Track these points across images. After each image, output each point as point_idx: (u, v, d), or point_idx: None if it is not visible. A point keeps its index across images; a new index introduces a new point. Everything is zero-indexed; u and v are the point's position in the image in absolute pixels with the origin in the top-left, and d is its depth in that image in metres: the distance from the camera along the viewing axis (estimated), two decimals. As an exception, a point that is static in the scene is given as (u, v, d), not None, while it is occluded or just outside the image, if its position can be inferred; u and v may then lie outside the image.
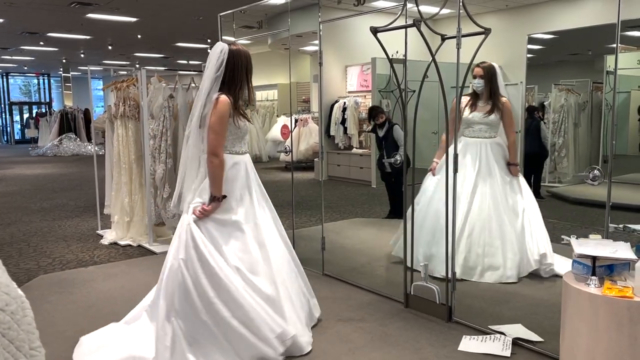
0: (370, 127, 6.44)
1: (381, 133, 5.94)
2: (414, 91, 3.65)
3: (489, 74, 4.10)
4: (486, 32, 3.21)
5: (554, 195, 6.90)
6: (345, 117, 9.39)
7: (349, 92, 9.73)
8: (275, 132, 11.36)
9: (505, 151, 4.13)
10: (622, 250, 2.18)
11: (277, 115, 12.22)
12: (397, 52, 3.78)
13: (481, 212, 3.94)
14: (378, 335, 3.05)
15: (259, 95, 13.10)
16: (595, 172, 2.66)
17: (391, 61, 3.53)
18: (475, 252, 3.88)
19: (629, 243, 2.29)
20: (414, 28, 3.23)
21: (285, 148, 9.47)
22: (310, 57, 11.12)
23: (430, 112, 5.98)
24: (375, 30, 3.33)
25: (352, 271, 4.19)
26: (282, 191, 7.32)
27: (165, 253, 4.96)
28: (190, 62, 19.39)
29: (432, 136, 7.72)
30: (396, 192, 5.89)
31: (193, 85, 5.29)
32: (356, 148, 9.48)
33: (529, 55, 7.49)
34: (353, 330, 3.13)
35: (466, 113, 4.09)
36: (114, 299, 3.77)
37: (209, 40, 13.78)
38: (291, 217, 4.79)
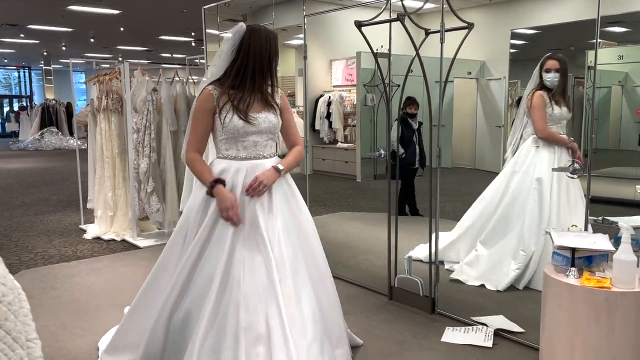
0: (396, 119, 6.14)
1: (415, 125, 5.82)
2: (399, 85, 3.67)
3: (564, 67, 3.73)
4: (469, 26, 3.24)
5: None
6: (330, 111, 9.39)
7: (334, 86, 9.73)
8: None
9: None
10: (600, 242, 2.22)
11: (262, 109, 12.15)
12: (382, 47, 3.79)
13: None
14: (362, 328, 3.08)
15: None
16: (575, 165, 2.70)
17: (375, 55, 3.54)
18: None
19: (607, 235, 2.34)
20: (398, 22, 3.25)
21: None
22: (295, 50, 11.09)
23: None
24: (359, 24, 3.34)
25: (337, 265, 4.21)
26: (267, 185, 7.28)
27: (150, 247, 4.99)
28: (175, 55, 19.21)
29: (417, 131, 7.78)
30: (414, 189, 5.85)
31: (177, 78, 5.25)
32: (341, 142, 9.49)
33: (512, 50, 7.55)
34: (338, 323, 3.15)
35: (556, 109, 3.67)
36: (97, 293, 3.74)
37: (193, 34, 13.66)
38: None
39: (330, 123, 9.44)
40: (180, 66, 6.00)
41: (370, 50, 3.51)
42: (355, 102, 9.12)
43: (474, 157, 8.20)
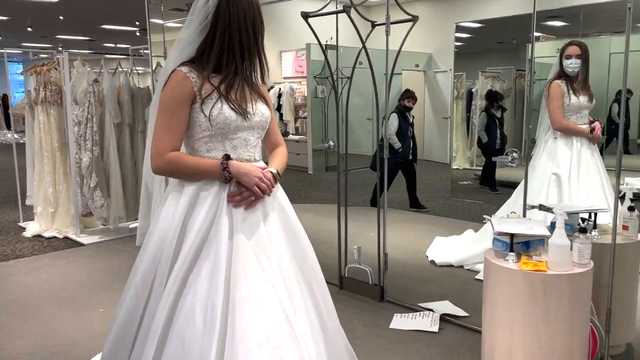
0: (393, 111, 5.89)
1: (411, 118, 5.75)
2: (349, 77, 3.69)
3: (586, 53, 3.52)
4: (414, 19, 3.29)
5: (480, 178, 7.23)
6: (281, 103, 9.35)
7: (284, 77, 9.69)
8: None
9: None
10: (537, 228, 2.32)
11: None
12: (331, 39, 3.80)
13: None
14: (312, 318, 3.09)
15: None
16: (514, 154, 2.81)
17: (323, 47, 3.55)
18: None
19: (543, 220, 2.44)
20: (346, 14, 3.26)
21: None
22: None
23: (365, 98, 6.07)
24: (306, 15, 3.33)
25: (288, 256, 4.21)
26: (217, 178, 7.20)
27: (94, 244, 4.83)
28: (118, 45, 18.57)
29: (367, 122, 7.85)
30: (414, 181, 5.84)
31: (120, 69, 5.08)
32: (292, 134, 9.48)
33: (457, 44, 7.74)
34: (288, 314, 3.16)
35: (573, 98, 3.50)
36: (38, 293, 3.60)
37: (137, 23, 13.24)
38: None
39: (281, 115, 9.40)
40: (123, 56, 5.81)
41: (318, 43, 3.51)
42: (305, 94, 9.12)
43: (422, 148, 8.36)
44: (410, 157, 5.75)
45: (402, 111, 5.64)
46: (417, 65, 8.57)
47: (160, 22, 5.27)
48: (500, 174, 6.74)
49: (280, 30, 9.27)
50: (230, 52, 1.72)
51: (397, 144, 5.55)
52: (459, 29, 7.45)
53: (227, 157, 1.72)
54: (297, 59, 9.40)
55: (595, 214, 2.60)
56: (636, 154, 7.00)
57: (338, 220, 3.61)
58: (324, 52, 3.58)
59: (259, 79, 1.83)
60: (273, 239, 1.78)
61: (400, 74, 8.54)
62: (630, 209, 2.65)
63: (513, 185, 6.10)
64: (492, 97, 6.60)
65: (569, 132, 3.47)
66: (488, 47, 8.88)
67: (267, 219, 1.79)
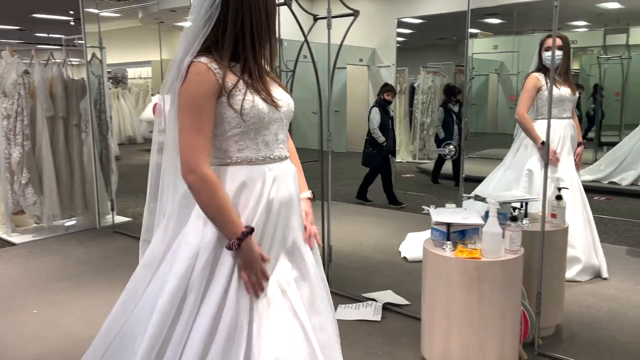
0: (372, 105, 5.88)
1: (391, 112, 5.68)
2: (292, 71, 3.69)
3: (567, 45, 3.44)
4: (355, 13, 3.32)
5: (423, 171, 7.42)
6: (224, 96, 9.21)
7: (228, 70, 9.53)
8: (149, 111, 10.84)
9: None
10: (472, 217, 2.41)
11: (152, 94, 11.65)
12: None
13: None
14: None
15: (131, 72, 12.36)
16: (451, 147, 2.90)
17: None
18: None
19: (478, 210, 2.54)
20: (287, 7, 3.25)
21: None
22: (187, 33, 10.69)
23: (310, 92, 6.09)
24: (247, 8, 3.29)
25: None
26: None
27: (27, 243, 4.60)
28: (51, 35, 17.70)
29: (312, 116, 7.86)
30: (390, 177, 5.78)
31: (53, 60, 4.86)
32: (236, 128, 9.37)
33: (399, 39, 7.88)
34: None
35: (555, 90, 3.42)
36: (-35, 296, 3.40)
37: (71, 12, 12.66)
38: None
39: (224, 109, 9.26)
40: (56, 47, 5.55)
41: (259, 35, 3.48)
42: (249, 87, 9.01)
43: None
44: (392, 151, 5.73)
45: (383, 105, 5.61)
46: (361, 60, 8.65)
47: (95, 11, 5.07)
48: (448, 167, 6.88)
49: (223, 22, 9.10)
50: (246, 36, 1.53)
51: (381, 138, 5.52)
52: (401, 24, 7.60)
53: (250, 232, 1.50)
54: (240, 52, 9.28)
55: (526, 203, 2.74)
56: (566, 146, 7.41)
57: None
58: (265, 45, 3.56)
59: (268, 64, 1.63)
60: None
61: (345, 68, 8.60)
62: (558, 198, 2.80)
63: (451, 177, 6.33)
64: (450, 92, 6.63)
65: (522, 126, 3.47)
66: (429, 42, 9.11)
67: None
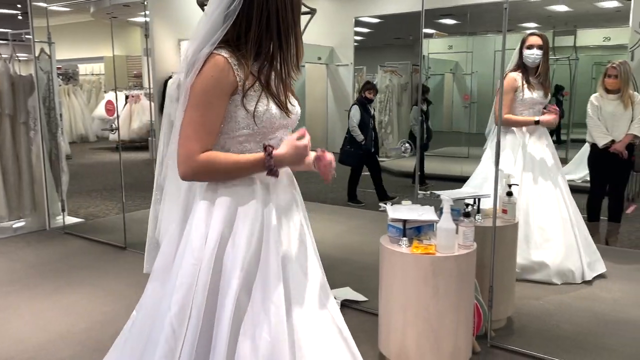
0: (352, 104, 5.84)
1: (372, 110, 5.60)
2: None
3: (547, 45, 3.41)
4: (312, 12, 3.33)
5: (383, 169, 7.52)
6: (181, 94, 9.06)
7: (184, 67, 9.38)
8: (102, 109, 10.54)
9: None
10: (427, 214, 2.46)
11: (105, 91, 11.32)
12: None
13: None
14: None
15: (82, 69, 11.97)
16: (406, 145, 2.95)
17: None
18: None
19: (433, 207, 2.59)
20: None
21: (111, 126, 8.83)
22: (141, 29, 10.46)
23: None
24: (201, 3, 3.25)
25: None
26: (113, 173, 6.85)
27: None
28: (-2, 29, 16.92)
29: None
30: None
31: (-3, 55, 4.65)
32: (194, 126, 9.23)
33: (356, 38, 7.95)
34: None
35: (527, 93, 3.43)
36: None
37: (18, 6, 12.14)
38: (122, 201, 4.54)
39: (181, 106, 9.11)
40: (2, 42, 5.32)
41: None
42: (206, 85, 8.90)
43: (325, 140, 8.51)
44: (373, 150, 5.69)
45: (364, 103, 5.58)
46: (319, 58, 8.67)
47: (44, 5, 4.89)
48: (398, 164, 7.01)
49: (178, 19, 8.93)
50: (272, 35, 1.45)
51: (360, 137, 5.48)
52: (358, 23, 7.66)
53: (267, 147, 1.46)
54: (198, 49, 9.14)
55: (479, 200, 2.81)
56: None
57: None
58: (222, 42, 3.52)
59: (294, 66, 1.53)
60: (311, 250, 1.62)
61: (304, 66, 8.61)
62: (509, 194, 2.89)
63: (408, 175, 6.43)
64: (421, 91, 6.70)
65: (512, 125, 3.44)
66: (386, 42, 9.23)
67: (303, 229, 1.61)
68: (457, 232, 2.34)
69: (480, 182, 3.47)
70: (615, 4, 6.03)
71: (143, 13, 4.47)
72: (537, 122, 3.38)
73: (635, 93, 3.90)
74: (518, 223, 2.94)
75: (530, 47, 3.40)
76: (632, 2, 5.12)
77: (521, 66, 3.45)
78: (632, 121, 3.81)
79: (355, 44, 7.65)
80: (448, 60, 8.14)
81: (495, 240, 2.65)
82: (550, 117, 3.40)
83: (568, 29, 7.00)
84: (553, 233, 3.40)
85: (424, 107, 6.45)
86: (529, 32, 3.48)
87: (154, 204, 1.65)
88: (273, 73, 1.49)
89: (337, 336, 1.54)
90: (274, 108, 1.47)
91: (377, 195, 5.74)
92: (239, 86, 1.43)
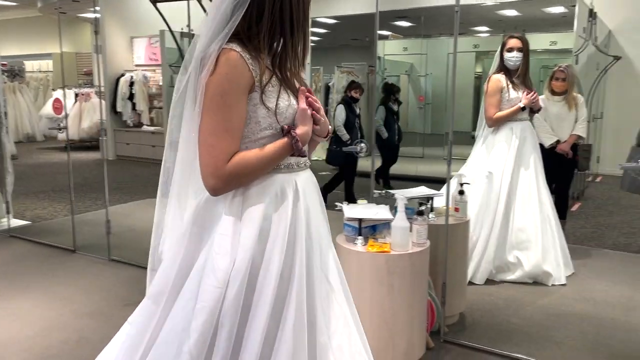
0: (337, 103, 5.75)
1: (358, 110, 5.50)
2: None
3: (527, 47, 3.47)
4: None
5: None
6: (134, 92, 8.84)
7: (137, 65, 9.17)
8: (49, 107, 10.16)
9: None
10: (382, 212, 2.49)
11: (53, 89, 10.91)
12: (187, 26, 3.68)
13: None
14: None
15: (29, 65, 11.49)
16: (362, 144, 2.98)
17: (174, 35, 3.42)
18: None
19: (388, 206, 2.63)
20: (197, 2, 3.18)
21: (59, 125, 8.50)
22: (91, 25, 10.14)
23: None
24: (154, 1, 3.18)
25: (142, 254, 3.98)
26: (62, 174, 6.62)
27: None
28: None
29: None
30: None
31: None
32: (147, 125, 9.03)
33: (314, 38, 7.97)
34: (142, 313, 3.02)
35: (512, 93, 3.48)
36: None
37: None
38: (70, 203, 4.38)
39: (133, 105, 8.89)
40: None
41: (168, 29, 3.38)
42: (161, 83, 8.72)
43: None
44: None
45: (349, 102, 5.54)
46: (275, 58, 8.62)
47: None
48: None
49: (130, 16, 8.74)
50: (285, 24, 1.34)
51: (346, 136, 5.42)
52: (315, 23, 7.68)
53: (289, 130, 1.34)
54: (150, 46, 8.95)
55: (432, 198, 2.87)
56: (470, 144, 7.87)
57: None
58: (175, 40, 3.46)
59: (301, 60, 1.42)
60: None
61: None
62: (461, 192, 2.96)
63: (367, 175, 6.49)
64: (390, 90, 6.45)
65: (504, 121, 3.48)
66: (343, 42, 9.30)
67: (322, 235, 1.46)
68: (411, 230, 2.38)
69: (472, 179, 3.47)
70: (562, 10, 6.28)
71: (93, 9, 4.33)
72: (523, 109, 3.47)
73: (579, 95, 4.07)
74: (469, 221, 3.02)
75: (510, 49, 3.47)
76: (577, 8, 5.36)
77: (503, 68, 3.53)
78: (576, 122, 3.97)
79: (312, 44, 7.66)
80: (403, 61, 8.27)
81: (448, 237, 2.72)
82: (530, 96, 3.47)
83: (517, 33, 7.25)
84: (533, 233, 3.45)
85: (395, 108, 6.47)
86: (508, 34, 3.54)
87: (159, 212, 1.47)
88: (287, 65, 1.37)
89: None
90: (294, 103, 1.37)
91: (345, 197, 5.71)
92: (256, 82, 1.30)
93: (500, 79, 3.50)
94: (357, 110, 5.62)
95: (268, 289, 1.29)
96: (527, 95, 3.48)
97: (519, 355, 2.58)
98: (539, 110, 3.60)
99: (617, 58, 5.75)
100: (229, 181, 1.29)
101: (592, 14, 5.32)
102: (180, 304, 1.33)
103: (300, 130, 1.35)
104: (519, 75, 3.53)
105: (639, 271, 3.66)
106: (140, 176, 7.56)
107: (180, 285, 1.34)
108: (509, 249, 3.46)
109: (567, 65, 3.98)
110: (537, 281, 3.45)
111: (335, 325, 1.41)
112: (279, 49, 1.35)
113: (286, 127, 1.34)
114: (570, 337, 2.79)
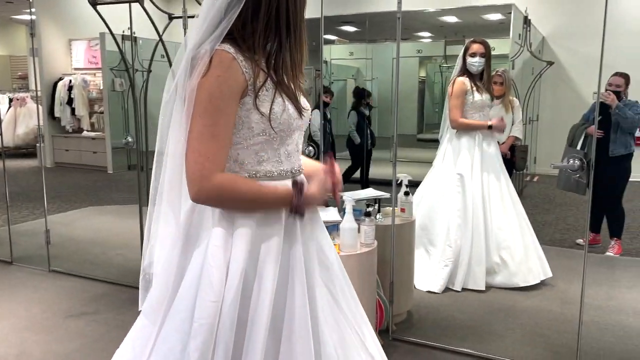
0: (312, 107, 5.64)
1: (328, 115, 5.44)
2: (151, 71, 3.53)
3: (489, 51, 3.50)
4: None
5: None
6: (72, 96, 8.52)
7: (75, 69, 8.84)
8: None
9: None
10: (330, 214, 2.52)
11: (-13, 93, 10.37)
12: (128, 29, 3.60)
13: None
14: (114, 326, 2.91)
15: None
16: (310, 148, 3.00)
17: (116, 38, 3.34)
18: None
19: (337, 208, 2.66)
20: (139, 4, 3.11)
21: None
22: (27, 27, 9.74)
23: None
24: (94, 3, 3.09)
25: (85, 263, 3.88)
26: (-4, 182, 6.28)
27: None
28: None
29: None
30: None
31: None
32: (87, 131, 8.71)
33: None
34: (86, 325, 2.92)
35: (477, 96, 3.51)
36: None
37: None
38: (7, 212, 4.18)
39: (73, 109, 8.56)
40: None
41: (109, 32, 3.29)
42: (101, 87, 8.45)
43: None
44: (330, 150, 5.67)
45: (361, 110, 5.61)
46: (222, 62, 8.56)
47: None
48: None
49: (68, 17, 8.43)
50: (281, 23, 1.27)
51: (357, 139, 5.51)
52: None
53: (297, 184, 1.28)
54: (90, 49, 8.66)
55: (379, 200, 2.93)
56: (415, 147, 8.06)
57: (140, 220, 3.45)
58: (117, 43, 3.37)
59: (298, 63, 1.34)
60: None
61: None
62: (406, 194, 3.04)
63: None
64: (361, 94, 6.39)
65: (468, 129, 3.51)
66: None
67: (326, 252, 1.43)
68: (359, 231, 2.42)
69: (440, 190, 3.55)
70: (499, 17, 6.55)
71: (28, 10, 4.15)
72: (490, 127, 3.52)
73: (515, 99, 4.27)
74: (415, 221, 3.10)
75: (473, 54, 3.49)
76: (512, 15, 5.61)
77: (466, 72, 3.56)
78: (513, 124, 4.16)
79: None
80: (350, 66, 8.39)
81: (395, 237, 2.78)
82: (499, 121, 3.56)
83: (458, 38, 7.50)
84: (513, 235, 3.49)
85: (367, 112, 6.45)
86: (470, 39, 3.55)
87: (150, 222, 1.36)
88: (283, 67, 1.30)
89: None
90: (290, 108, 1.29)
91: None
92: (249, 86, 1.23)
93: (464, 81, 3.52)
94: (328, 115, 5.59)
95: (264, 302, 1.23)
96: (499, 120, 3.57)
97: (464, 350, 2.67)
98: (500, 133, 3.69)
99: (550, 63, 6.06)
100: (210, 196, 1.22)
101: (526, 21, 5.59)
102: (175, 323, 1.26)
103: (312, 190, 1.30)
104: (481, 79, 3.57)
105: (574, 265, 3.86)
106: (81, 184, 7.29)
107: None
108: (493, 250, 3.48)
109: (504, 70, 4.16)
110: (523, 282, 3.41)
111: (341, 334, 1.37)
112: (274, 50, 1.29)
113: (298, 182, 1.29)
114: (511, 329, 2.92)
